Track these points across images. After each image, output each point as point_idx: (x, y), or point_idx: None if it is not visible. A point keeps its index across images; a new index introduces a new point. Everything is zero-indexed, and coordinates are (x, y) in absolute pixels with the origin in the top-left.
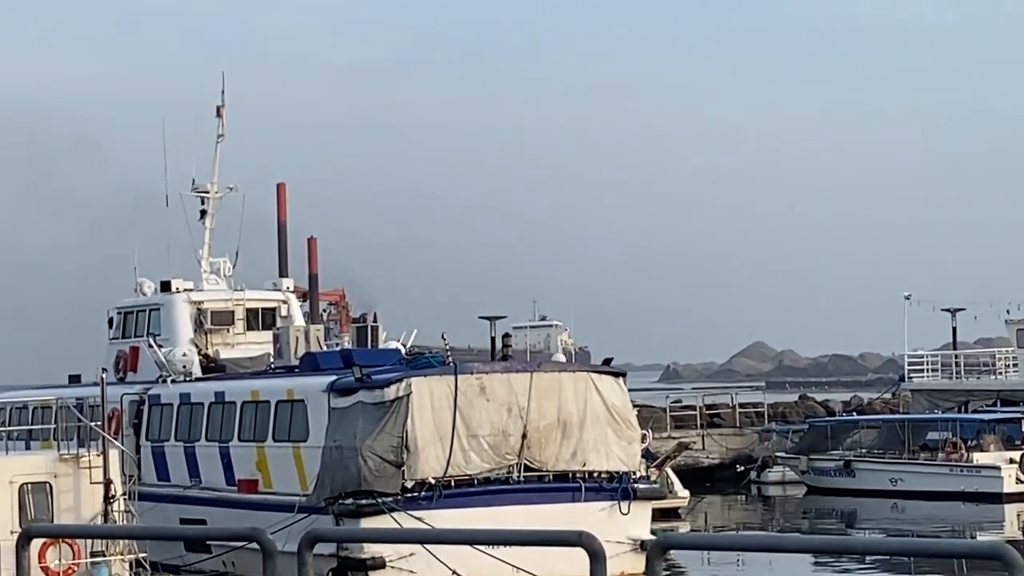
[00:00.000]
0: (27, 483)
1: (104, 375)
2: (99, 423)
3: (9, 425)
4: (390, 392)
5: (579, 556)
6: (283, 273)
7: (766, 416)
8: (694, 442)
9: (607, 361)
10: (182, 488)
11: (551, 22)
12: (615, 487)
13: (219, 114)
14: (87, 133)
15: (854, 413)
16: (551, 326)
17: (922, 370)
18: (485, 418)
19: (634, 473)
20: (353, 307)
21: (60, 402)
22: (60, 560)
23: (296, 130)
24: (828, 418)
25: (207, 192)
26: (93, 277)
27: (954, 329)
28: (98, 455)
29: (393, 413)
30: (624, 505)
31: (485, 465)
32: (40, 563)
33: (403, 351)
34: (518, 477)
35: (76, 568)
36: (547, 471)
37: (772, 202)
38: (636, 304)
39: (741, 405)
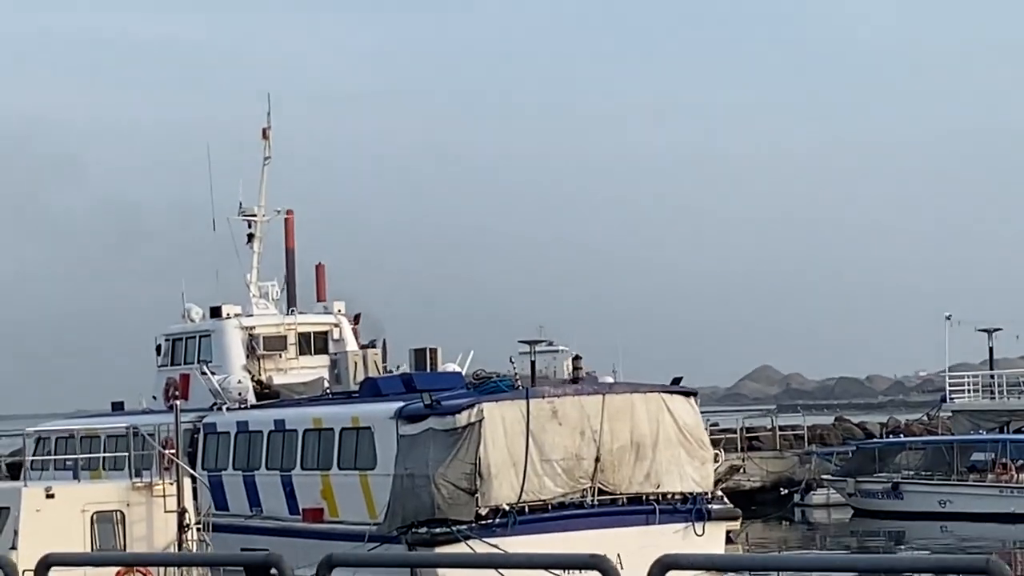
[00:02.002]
0: (100, 511)
1: (179, 403)
2: (173, 451)
3: (55, 454)
4: (462, 418)
5: None
6: (291, 301)
7: (806, 439)
8: (741, 466)
9: (676, 380)
10: (243, 518)
11: (569, 50)
12: (689, 508)
13: (265, 136)
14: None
15: (901, 435)
16: (558, 350)
17: (963, 390)
18: (558, 442)
19: (708, 494)
20: (362, 333)
21: (132, 430)
22: None
23: (310, 157)
24: (875, 440)
25: (254, 215)
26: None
27: (991, 349)
28: (171, 483)
29: (466, 440)
30: (699, 526)
31: (559, 490)
32: None
33: (463, 375)
34: (592, 501)
35: None
36: (621, 494)
37: (777, 226)
38: (641, 328)
39: (780, 428)
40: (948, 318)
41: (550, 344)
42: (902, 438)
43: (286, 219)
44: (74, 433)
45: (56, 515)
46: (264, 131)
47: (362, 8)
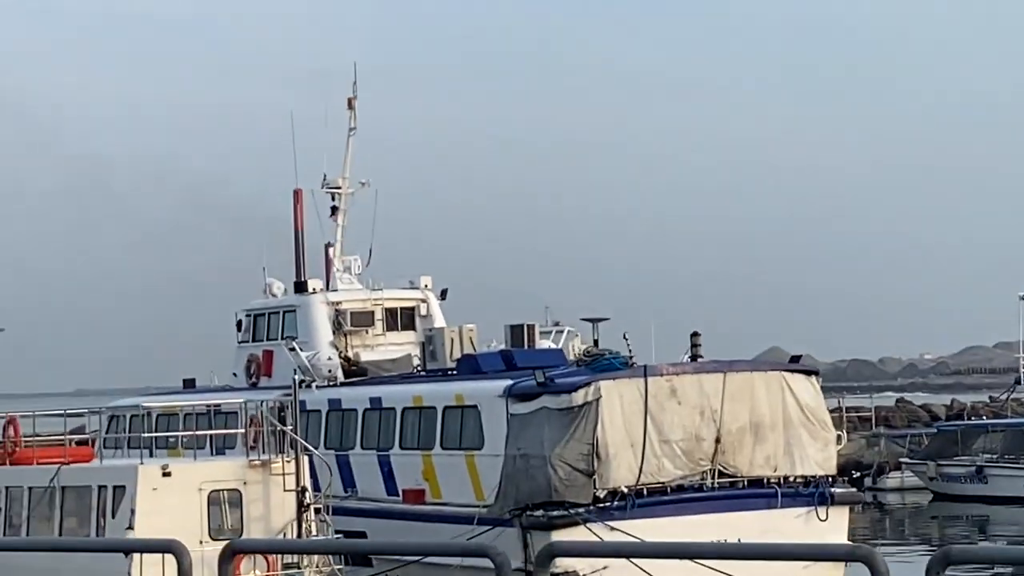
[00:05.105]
0: (217, 490)
1: (296, 377)
2: (292, 428)
3: (131, 431)
4: (578, 397)
5: None
6: (300, 280)
7: (873, 421)
8: None
9: (795, 359)
10: (338, 499)
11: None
12: (812, 492)
13: (351, 106)
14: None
15: (978, 417)
16: (563, 332)
17: None
18: (677, 422)
19: (830, 477)
20: None
21: (252, 407)
22: (255, 572)
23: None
24: (956, 422)
25: (339, 188)
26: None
27: None
28: (289, 461)
29: (583, 419)
30: (822, 511)
31: (678, 472)
32: (235, 574)
33: (563, 351)
34: (712, 484)
35: None
36: (741, 477)
37: (783, 209)
38: (651, 311)
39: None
40: (1022, 297)
41: (556, 324)
42: (984, 420)
43: (295, 198)
44: (151, 411)
45: (173, 494)
46: (349, 101)
47: None
